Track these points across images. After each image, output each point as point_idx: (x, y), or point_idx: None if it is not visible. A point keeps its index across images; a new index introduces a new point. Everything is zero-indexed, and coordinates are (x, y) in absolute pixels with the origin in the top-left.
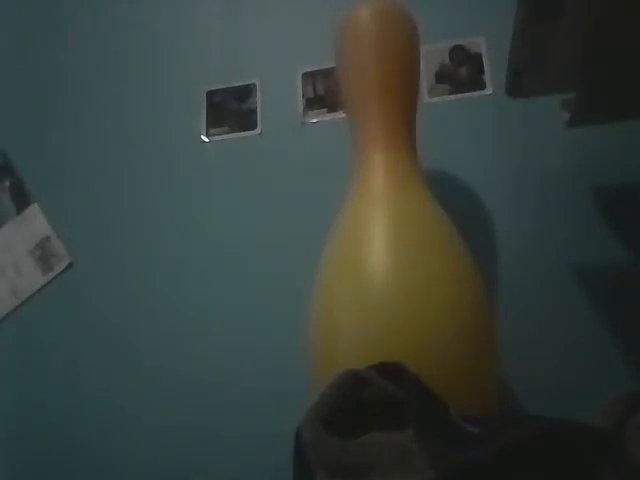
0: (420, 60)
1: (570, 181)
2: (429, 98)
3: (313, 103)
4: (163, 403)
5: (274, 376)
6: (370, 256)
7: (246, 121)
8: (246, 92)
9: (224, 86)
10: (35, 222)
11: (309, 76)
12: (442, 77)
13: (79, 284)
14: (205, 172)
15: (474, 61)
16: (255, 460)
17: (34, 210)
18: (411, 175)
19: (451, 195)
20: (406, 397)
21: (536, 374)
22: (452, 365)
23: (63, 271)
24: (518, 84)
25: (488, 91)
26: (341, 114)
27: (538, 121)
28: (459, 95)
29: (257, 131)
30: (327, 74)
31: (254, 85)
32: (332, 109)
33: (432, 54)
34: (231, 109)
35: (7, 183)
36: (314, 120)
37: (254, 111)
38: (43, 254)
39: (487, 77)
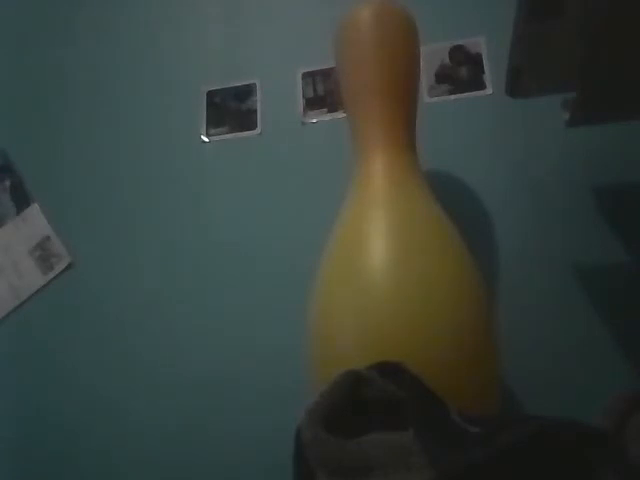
0: (420, 60)
1: (570, 181)
2: (429, 98)
3: (313, 103)
4: (163, 402)
5: (274, 376)
6: (370, 256)
7: (246, 121)
8: (246, 92)
9: (224, 86)
10: (35, 222)
11: (309, 76)
12: (442, 77)
13: (79, 284)
14: (205, 172)
15: (474, 61)
16: (255, 460)
17: (34, 210)
18: (411, 175)
19: (451, 195)
20: (406, 397)
21: (536, 374)
22: (452, 365)
23: (63, 271)
24: (518, 84)
25: (488, 91)
26: (341, 114)
27: (538, 121)
28: (459, 95)
29: (257, 131)
30: (327, 74)
31: (254, 85)
32: (332, 109)
33: (432, 54)
34: (231, 109)
35: (7, 183)
36: (314, 120)
37: (254, 111)
38: (43, 254)
39: (487, 77)
